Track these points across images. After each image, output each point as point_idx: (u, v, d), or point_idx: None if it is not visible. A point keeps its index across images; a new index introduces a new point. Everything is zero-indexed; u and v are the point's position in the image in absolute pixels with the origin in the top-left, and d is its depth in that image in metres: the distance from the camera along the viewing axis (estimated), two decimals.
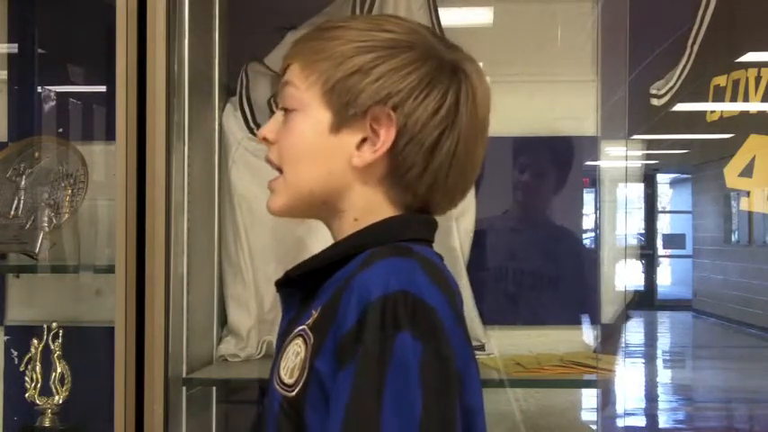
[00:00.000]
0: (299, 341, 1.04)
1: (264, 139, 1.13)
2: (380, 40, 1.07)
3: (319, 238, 2.03)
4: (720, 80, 2.20)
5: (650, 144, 2.55)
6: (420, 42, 1.08)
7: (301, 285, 1.11)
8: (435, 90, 1.06)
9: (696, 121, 2.33)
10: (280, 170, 1.12)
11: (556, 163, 2.26)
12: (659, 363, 9.12)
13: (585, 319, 2.25)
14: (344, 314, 0.98)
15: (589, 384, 2.11)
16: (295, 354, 1.04)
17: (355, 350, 0.95)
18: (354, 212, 1.10)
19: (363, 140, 1.07)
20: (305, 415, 1.00)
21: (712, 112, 2.23)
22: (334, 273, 1.06)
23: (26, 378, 2.09)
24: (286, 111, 1.11)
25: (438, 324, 0.98)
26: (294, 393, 1.01)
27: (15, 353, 2.27)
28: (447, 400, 0.96)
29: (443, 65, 1.07)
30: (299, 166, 1.10)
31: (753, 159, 2.17)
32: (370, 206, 1.09)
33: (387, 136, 1.05)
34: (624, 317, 2.19)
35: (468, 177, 1.12)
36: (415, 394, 0.93)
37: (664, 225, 14.50)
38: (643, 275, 12.67)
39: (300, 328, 1.05)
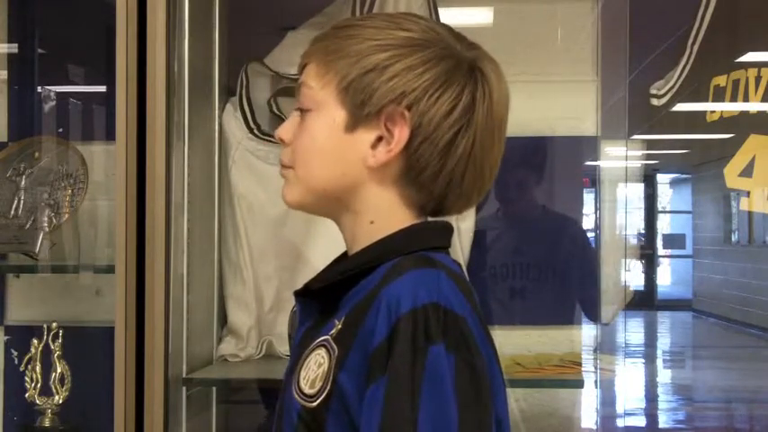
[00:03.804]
0: (322, 351, 1.03)
1: (281, 140, 1.13)
2: (397, 38, 1.06)
3: (319, 239, 2.04)
4: (720, 80, 2.20)
5: (650, 144, 2.56)
6: (437, 41, 1.06)
7: (320, 295, 1.10)
8: (450, 89, 1.05)
9: (696, 121, 2.34)
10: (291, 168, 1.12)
11: (556, 163, 2.26)
12: (659, 363, 9.12)
13: (585, 319, 2.25)
14: (373, 328, 0.97)
15: (588, 384, 2.11)
16: (317, 364, 1.03)
17: (387, 364, 0.95)
18: (369, 214, 1.09)
19: (378, 140, 1.06)
20: (325, 426, 1.00)
21: (712, 112, 2.23)
22: (355, 283, 1.06)
23: (26, 378, 2.09)
24: (302, 111, 1.11)
25: (469, 335, 0.98)
26: (315, 404, 1.01)
27: (15, 353, 2.27)
28: (483, 411, 0.96)
29: (460, 64, 1.06)
30: (313, 163, 1.09)
31: (753, 159, 2.17)
32: (385, 207, 1.09)
33: (401, 135, 1.04)
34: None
35: (486, 177, 1.10)
36: (451, 407, 0.93)
37: (664, 225, 14.50)
38: (643, 275, 12.67)
39: (323, 338, 1.04)
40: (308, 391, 1.02)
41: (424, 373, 0.93)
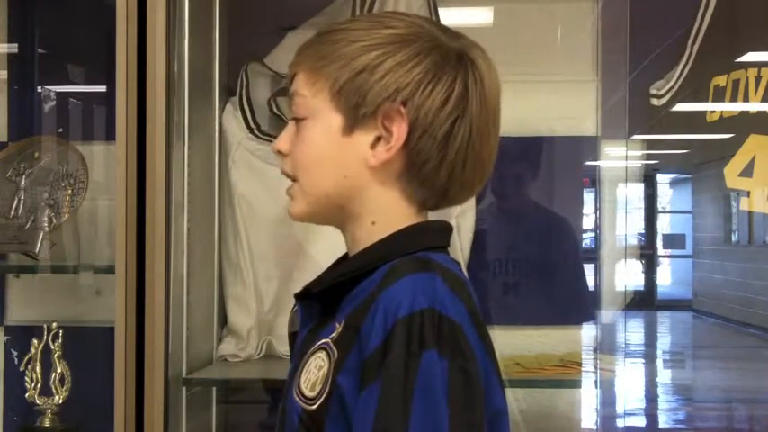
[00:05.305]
0: (323, 354, 1.03)
1: (279, 152, 1.13)
2: (383, 36, 1.06)
3: (319, 239, 2.05)
4: (720, 80, 2.20)
5: (650, 144, 2.56)
6: (423, 34, 1.07)
7: (320, 297, 1.11)
8: (442, 80, 1.05)
9: (696, 121, 2.34)
10: (295, 180, 1.12)
11: (556, 163, 2.26)
12: (659, 363, 9.12)
13: (585, 319, 2.25)
14: (369, 332, 0.98)
15: (588, 384, 2.11)
16: (318, 367, 1.03)
17: (381, 369, 0.95)
18: (371, 215, 1.09)
19: (377, 139, 1.06)
20: (324, 428, 1.00)
21: (712, 112, 2.23)
22: (355, 285, 1.06)
23: (26, 378, 2.09)
24: (297, 120, 1.11)
25: (463, 340, 0.98)
26: (315, 407, 1.01)
27: (15, 353, 2.27)
28: (474, 418, 0.96)
29: (448, 54, 1.07)
30: (314, 172, 1.09)
31: (753, 159, 2.17)
32: (386, 207, 1.09)
33: (399, 132, 1.05)
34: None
35: (486, 164, 1.11)
36: (441, 413, 0.93)
37: (664, 225, 14.50)
38: (643, 275, 12.66)
39: (324, 341, 1.04)
40: (308, 393, 1.03)
41: (417, 379, 0.94)
